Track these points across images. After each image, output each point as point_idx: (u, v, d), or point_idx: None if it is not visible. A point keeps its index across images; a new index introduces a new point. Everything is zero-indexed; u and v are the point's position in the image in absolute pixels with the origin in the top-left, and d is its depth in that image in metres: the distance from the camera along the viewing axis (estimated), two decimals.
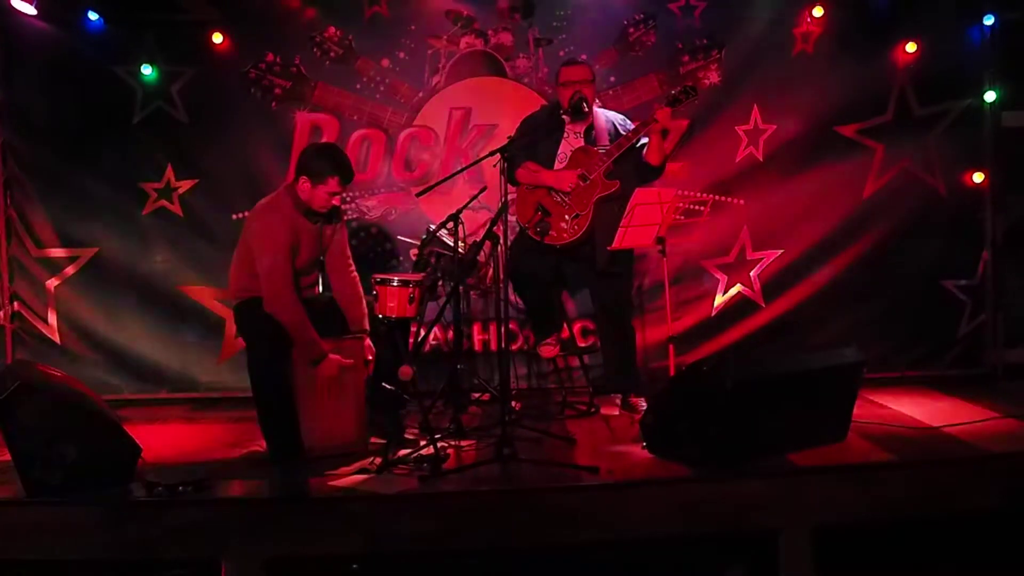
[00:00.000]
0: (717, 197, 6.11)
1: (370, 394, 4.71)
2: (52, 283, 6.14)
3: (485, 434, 4.84)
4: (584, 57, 5.87)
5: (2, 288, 6.10)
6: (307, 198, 4.49)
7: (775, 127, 6.11)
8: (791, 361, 4.33)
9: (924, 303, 6.15)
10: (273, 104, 6.10)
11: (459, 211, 5.01)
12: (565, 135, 5.23)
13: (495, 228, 4.60)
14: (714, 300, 6.21)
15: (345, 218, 4.89)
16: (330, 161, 4.49)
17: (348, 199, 5.99)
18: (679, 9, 6.09)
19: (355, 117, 6.13)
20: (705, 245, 6.10)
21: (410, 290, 4.75)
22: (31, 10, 5.55)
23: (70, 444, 3.95)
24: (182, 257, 6.15)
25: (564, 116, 5.21)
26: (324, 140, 5.96)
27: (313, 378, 4.48)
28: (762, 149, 6.12)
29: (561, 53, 6.03)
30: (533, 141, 5.18)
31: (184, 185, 6.12)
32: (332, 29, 6.08)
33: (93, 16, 5.98)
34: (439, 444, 4.39)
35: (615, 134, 5.19)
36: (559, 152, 5.20)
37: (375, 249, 6.15)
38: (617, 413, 5.35)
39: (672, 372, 5.04)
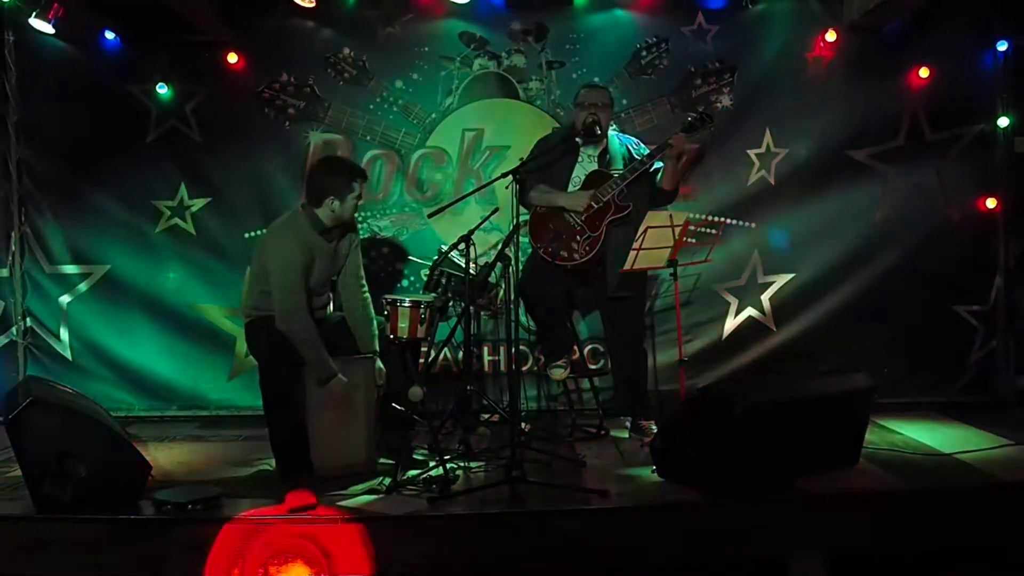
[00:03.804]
0: (729, 220, 6.10)
1: (380, 414, 4.71)
2: (65, 299, 6.17)
3: (494, 456, 4.83)
4: (596, 80, 5.89)
5: (15, 304, 6.12)
6: (338, 216, 4.53)
7: (787, 151, 6.11)
8: (802, 386, 4.33)
9: (935, 329, 6.13)
10: (286, 124, 6.13)
11: (471, 232, 5.00)
12: (579, 158, 5.24)
13: (507, 249, 4.60)
14: (725, 324, 6.19)
15: (360, 239, 4.90)
16: (344, 171, 4.56)
17: (360, 219, 6.01)
18: (691, 33, 6.11)
19: (368, 137, 6.15)
20: (716, 268, 6.07)
21: (421, 311, 4.76)
22: (49, 29, 5.59)
23: (80, 461, 3.96)
24: (194, 275, 6.18)
25: (577, 139, 5.22)
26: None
27: (324, 397, 4.48)
28: (774, 173, 6.12)
29: (574, 76, 6.07)
30: (546, 163, 5.19)
31: (197, 203, 6.15)
32: (346, 50, 6.12)
33: (109, 35, 6.05)
34: (448, 465, 4.39)
35: (629, 158, 5.21)
36: (573, 175, 5.22)
37: (386, 269, 6.16)
38: (627, 436, 5.34)
39: (683, 396, 5.03)
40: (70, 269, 6.18)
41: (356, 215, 4.74)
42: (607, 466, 4.70)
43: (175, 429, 5.86)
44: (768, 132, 6.10)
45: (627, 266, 4.91)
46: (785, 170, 6.12)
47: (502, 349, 6.11)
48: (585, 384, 5.98)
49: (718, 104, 6.10)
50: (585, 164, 5.23)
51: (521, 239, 5.17)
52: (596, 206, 5.07)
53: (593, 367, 6.06)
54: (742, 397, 3.98)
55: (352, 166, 4.69)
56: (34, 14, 5.48)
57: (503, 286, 5.26)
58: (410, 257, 6.12)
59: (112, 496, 4.03)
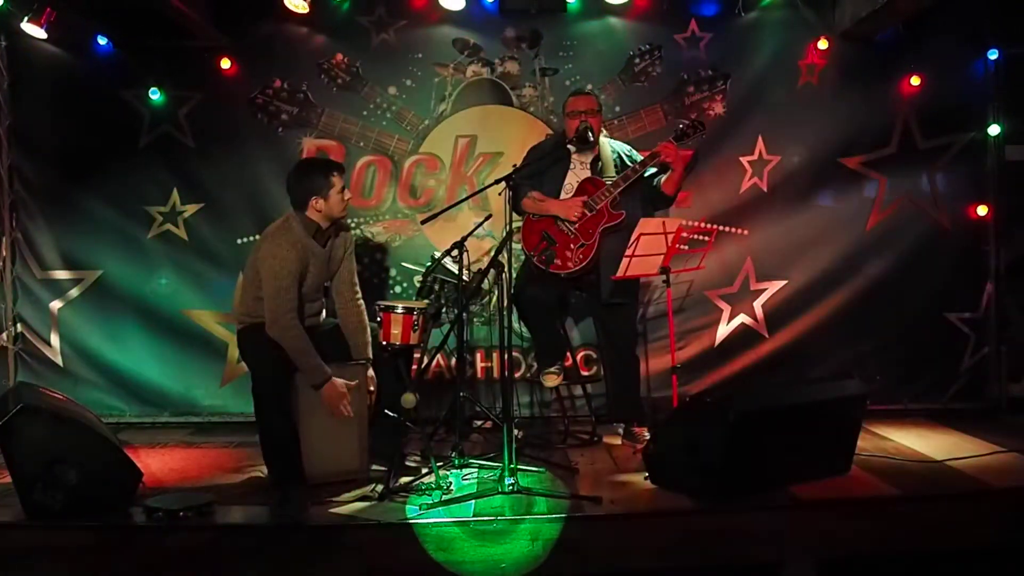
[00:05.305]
0: (721, 227, 6.11)
1: (372, 421, 4.70)
2: (55, 305, 6.15)
3: (487, 462, 4.83)
4: (590, 87, 5.91)
5: (6, 310, 6.10)
6: (326, 214, 4.54)
7: (779, 158, 6.13)
8: (794, 393, 4.34)
9: (927, 336, 6.14)
10: (279, 129, 6.13)
11: (464, 238, 5.01)
12: (571, 165, 5.25)
13: (500, 256, 4.60)
14: (717, 330, 6.20)
15: (354, 244, 4.90)
16: (318, 169, 4.59)
17: (353, 225, 6.00)
18: (685, 40, 6.12)
19: (361, 144, 6.15)
20: (709, 275, 6.08)
21: (414, 317, 4.75)
22: (41, 34, 5.59)
23: (71, 467, 3.95)
24: (186, 281, 6.16)
25: (570, 146, 5.23)
26: None
27: (316, 404, 4.47)
28: (766, 180, 6.13)
29: (567, 83, 6.08)
30: (539, 170, 5.20)
31: (189, 209, 6.14)
32: (340, 56, 6.12)
33: (102, 41, 6.04)
34: (441, 472, 4.38)
35: (621, 164, 5.22)
36: (565, 182, 5.22)
37: (379, 275, 6.16)
38: (620, 443, 5.34)
39: (675, 402, 5.04)
40: (61, 275, 6.16)
41: (348, 216, 4.74)
42: (600, 473, 4.70)
43: (167, 435, 5.84)
44: (761, 139, 6.12)
45: (620, 273, 4.91)
46: (778, 177, 6.14)
47: (495, 355, 6.11)
48: (578, 390, 5.99)
49: (711, 111, 6.12)
50: (578, 171, 5.23)
51: (514, 245, 5.18)
52: (589, 213, 5.07)
53: (586, 374, 6.07)
54: (735, 404, 3.99)
55: (324, 161, 4.78)
56: (26, 19, 5.47)
57: (496, 292, 5.26)
58: (403, 263, 6.12)
59: (103, 503, 4.03)
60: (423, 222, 5.60)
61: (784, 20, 6.10)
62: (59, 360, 6.17)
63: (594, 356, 6.10)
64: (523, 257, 5.31)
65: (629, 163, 5.21)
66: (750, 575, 3.87)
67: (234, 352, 6.04)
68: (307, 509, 4.12)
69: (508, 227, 4.51)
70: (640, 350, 5.86)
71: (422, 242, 6.12)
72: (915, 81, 6.03)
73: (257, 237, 5.33)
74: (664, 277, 5.09)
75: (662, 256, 4.99)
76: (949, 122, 6.11)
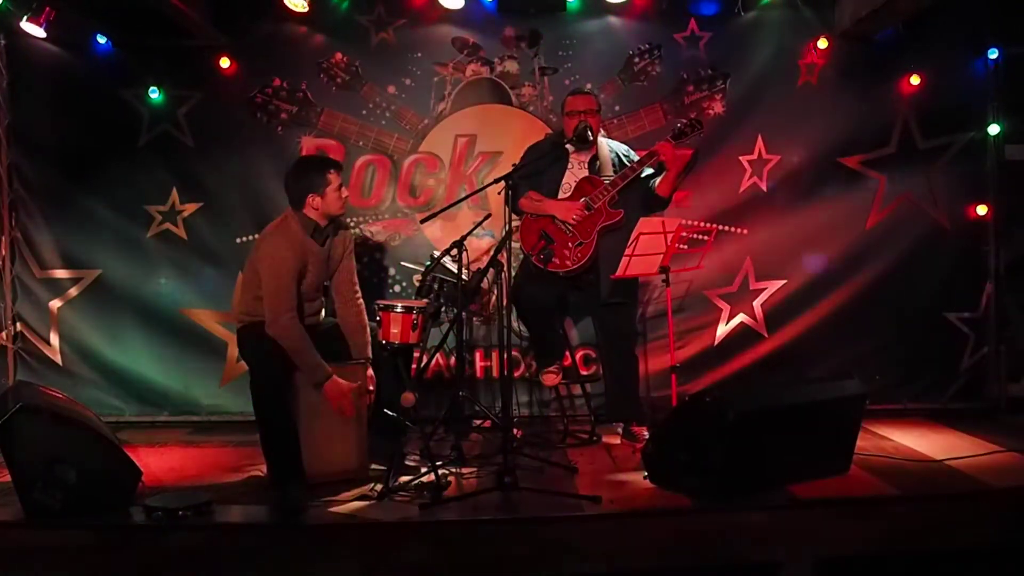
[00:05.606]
0: (721, 227, 6.12)
1: (371, 420, 4.70)
2: (55, 304, 6.15)
3: (486, 462, 4.84)
4: (589, 86, 5.91)
5: (5, 309, 6.10)
6: (323, 211, 4.54)
7: (779, 157, 6.13)
8: (793, 393, 4.33)
9: (927, 335, 6.14)
10: (279, 128, 6.13)
11: (463, 238, 5.01)
12: (570, 165, 5.25)
13: (499, 255, 4.60)
14: (717, 330, 6.20)
15: (354, 244, 4.90)
16: (315, 167, 4.59)
17: (353, 224, 6.00)
18: (684, 39, 6.12)
19: (360, 143, 6.15)
20: (708, 275, 6.08)
21: (413, 316, 4.74)
22: (40, 33, 5.58)
23: (70, 467, 3.94)
24: (185, 280, 6.16)
25: (568, 146, 5.22)
26: None
27: (316, 404, 4.47)
28: (766, 179, 6.13)
29: (566, 82, 6.08)
30: (537, 169, 5.20)
31: (189, 208, 6.14)
32: (339, 55, 6.12)
33: (101, 40, 6.03)
34: (440, 471, 4.38)
35: (619, 164, 5.22)
36: (564, 182, 5.22)
37: (378, 274, 6.16)
38: (619, 442, 5.34)
39: (674, 402, 5.04)
40: (61, 274, 6.16)
41: (347, 215, 4.74)
42: (599, 472, 4.70)
43: (166, 434, 5.83)
44: (760, 139, 6.12)
45: (619, 272, 4.91)
46: (777, 177, 6.14)
47: (494, 355, 6.11)
48: (577, 390, 5.98)
49: (710, 111, 6.12)
50: (575, 171, 5.23)
51: (513, 245, 5.17)
52: (587, 213, 5.07)
53: (585, 373, 6.07)
54: (734, 403, 3.98)
55: (321, 159, 4.80)
56: (26, 17, 5.47)
57: (495, 292, 5.26)
58: (402, 262, 6.12)
59: (103, 502, 4.02)
60: (422, 221, 5.60)
61: (784, 19, 6.10)
62: (58, 359, 6.17)
63: (593, 355, 6.10)
64: (522, 256, 5.31)
65: (627, 163, 5.21)
66: (750, 575, 3.87)
67: (234, 351, 6.05)
68: (307, 509, 4.12)
69: (507, 226, 4.51)
70: (639, 349, 5.86)
71: (421, 241, 6.12)
72: (915, 81, 6.03)
73: (256, 236, 5.33)
74: (663, 276, 5.08)
75: (661, 255, 4.99)
76: (949, 122, 6.11)
